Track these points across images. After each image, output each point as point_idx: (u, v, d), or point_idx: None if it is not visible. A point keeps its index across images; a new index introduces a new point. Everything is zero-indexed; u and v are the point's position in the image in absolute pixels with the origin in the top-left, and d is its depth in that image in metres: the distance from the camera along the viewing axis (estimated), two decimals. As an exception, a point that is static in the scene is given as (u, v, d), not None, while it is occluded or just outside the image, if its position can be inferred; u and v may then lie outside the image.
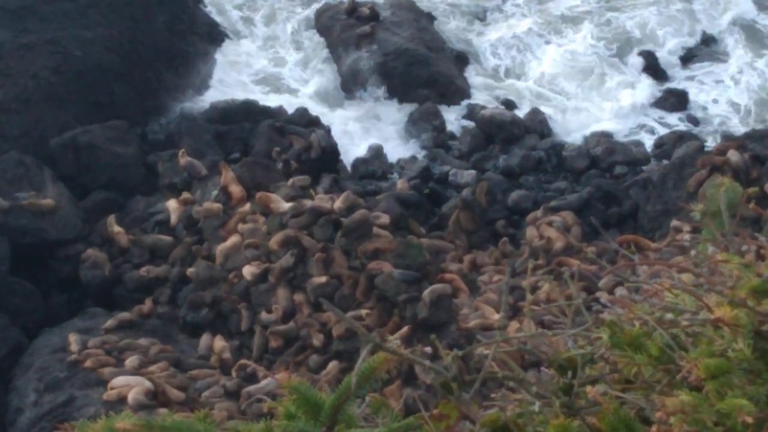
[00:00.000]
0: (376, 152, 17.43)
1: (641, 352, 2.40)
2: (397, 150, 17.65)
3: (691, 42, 20.77)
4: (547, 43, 20.51)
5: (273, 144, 16.25)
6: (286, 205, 14.05)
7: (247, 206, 14.43)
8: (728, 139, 16.69)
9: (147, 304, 13.83)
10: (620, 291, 11.72)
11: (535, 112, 18.42)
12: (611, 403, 2.37)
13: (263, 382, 12.11)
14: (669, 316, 2.42)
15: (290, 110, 17.68)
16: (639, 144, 17.72)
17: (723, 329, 2.27)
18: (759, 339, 2.24)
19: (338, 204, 13.92)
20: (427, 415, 2.74)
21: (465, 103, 18.76)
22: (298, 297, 13.25)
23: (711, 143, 17.23)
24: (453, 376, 2.78)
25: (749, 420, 2.08)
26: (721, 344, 2.25)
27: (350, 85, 18.86)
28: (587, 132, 18.18)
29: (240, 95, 18.24)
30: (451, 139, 18.01)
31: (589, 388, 2.49)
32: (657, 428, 2.16)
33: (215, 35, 19.92)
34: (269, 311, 13.26)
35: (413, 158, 17.33)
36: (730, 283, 2.45)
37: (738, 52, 20.40)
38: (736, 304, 2.27)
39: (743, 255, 2.76)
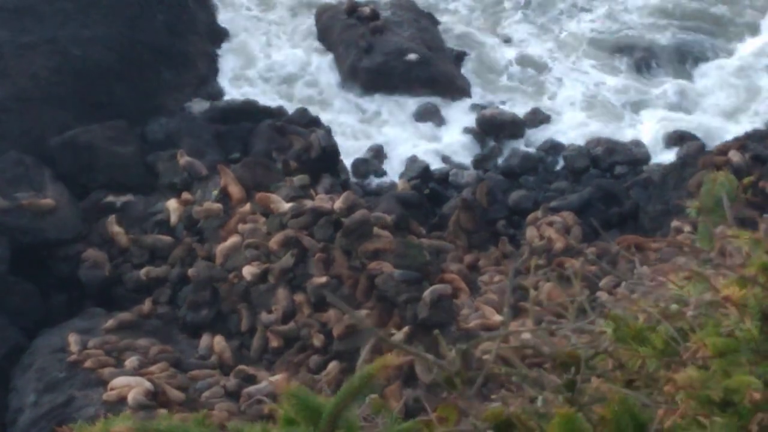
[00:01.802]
0: (376, 152, 17.42)
1: (646, 345, 2.39)
2: (398, 150, 17.63)
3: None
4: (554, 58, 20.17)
5: (273, 144, 16.23)
6: (286, 206, 14.03)
7: (247, 206, 14.40)
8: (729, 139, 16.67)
9: (147, 305, 13.79)
10: (621, 291, 11.71)
11: (535, 112, 18.39)
12: (616, 393, 2.36)
13: (264, 383, 12.10)
14: (674, 307, 2.40)
15: (290, 110, 17.66)
16: (639, 144, 17.68)
17: (730, 312, 2.25)
18: (767, 320, 2.22)
19: (338, 204, 13.89)
20: (426, 419, 2.73)
21: (465, 102, 18.74)
22: (299, 297, 13.23)
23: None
24: (456, 371, 2.77)
25: (757, 396, 2.07)
26: (729, 325, 2.24)
27: (350, 85, 18.84)
28: (588, 133, 18.13)
29: (240, 95, 18.23)
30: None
31: (594, 379, 2.48)
32: (663, 411, 2.15)
33: (216, 34, 19.89)
34: (269, 311, 13.24)
35: (413, 158, 17.32)
36: (740, 261, 2.43)
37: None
38: (746, 281, 2.25)
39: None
